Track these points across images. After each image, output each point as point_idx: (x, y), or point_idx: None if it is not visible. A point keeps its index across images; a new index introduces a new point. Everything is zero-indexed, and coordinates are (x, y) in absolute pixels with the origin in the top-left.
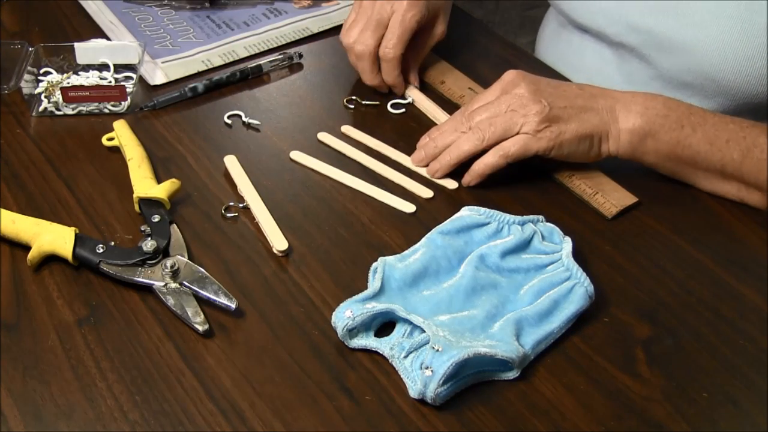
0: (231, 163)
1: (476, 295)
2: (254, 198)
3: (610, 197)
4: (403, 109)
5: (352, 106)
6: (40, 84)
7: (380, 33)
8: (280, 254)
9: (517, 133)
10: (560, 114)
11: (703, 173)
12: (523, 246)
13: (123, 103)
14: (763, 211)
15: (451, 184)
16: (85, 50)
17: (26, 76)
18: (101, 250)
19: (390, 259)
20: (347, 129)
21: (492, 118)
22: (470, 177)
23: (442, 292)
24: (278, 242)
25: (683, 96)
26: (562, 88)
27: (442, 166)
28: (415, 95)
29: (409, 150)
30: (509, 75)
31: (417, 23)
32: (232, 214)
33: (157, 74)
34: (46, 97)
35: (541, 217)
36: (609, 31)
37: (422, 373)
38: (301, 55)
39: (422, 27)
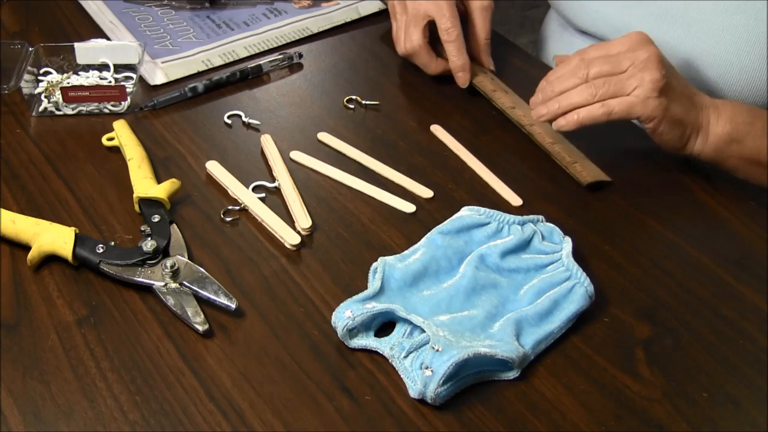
0: (214, 167)
1: (476, 295)
2: (254, 201)
3: (587, 167)
4: (237, 216)
5: (352, 106)
6: (40, 84)
7: (422, 24)
8: (293, 247)
9: (628, 95)
10: (671, 91)
11: None
12: (523, 246)
13: (123, 103)
14: (762, 211)
15: (515, 200)
16: (85, 50)
17: (26, 76)
18: (101, 250)
19: (390, 259)
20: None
21: (609, 76)
22: (566, 121)
23: (442, 292)
24: (289, 236)
25: None
26: (676, 71)
27: (549, 111)
28: (283, 182)
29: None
30: (637, 35)
31: None
32: (231, 218)
33: (157, 74)
34: (46, 97)
35: (541, 217)
36: (612, 38)
37: (422, 373)
38: (301, 55)
39: (466, 8)
